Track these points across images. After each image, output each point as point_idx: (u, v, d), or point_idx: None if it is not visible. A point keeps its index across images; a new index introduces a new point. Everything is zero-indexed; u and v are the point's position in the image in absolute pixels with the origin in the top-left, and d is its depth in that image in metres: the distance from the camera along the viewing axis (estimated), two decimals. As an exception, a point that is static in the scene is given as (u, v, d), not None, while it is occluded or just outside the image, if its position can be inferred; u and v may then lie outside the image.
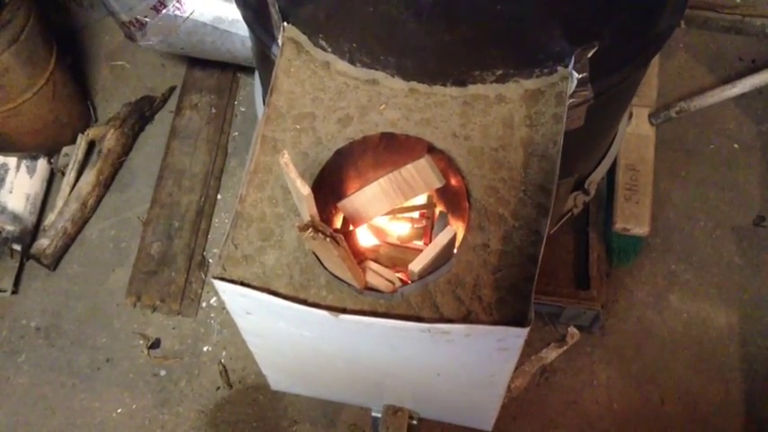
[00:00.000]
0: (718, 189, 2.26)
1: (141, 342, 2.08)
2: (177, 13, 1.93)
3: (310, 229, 0.94)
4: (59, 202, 2.24)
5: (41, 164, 2.29)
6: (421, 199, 1.36)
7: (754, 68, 2.38)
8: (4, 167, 2.22)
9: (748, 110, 2.40)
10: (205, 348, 2.08)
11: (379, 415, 1.55)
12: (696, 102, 2.08)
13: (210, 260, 2.22)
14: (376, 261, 1.13)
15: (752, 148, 2.33)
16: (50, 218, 2.21)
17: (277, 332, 1.22)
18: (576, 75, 1.15)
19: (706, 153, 2.33)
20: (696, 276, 2.13)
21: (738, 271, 2.13)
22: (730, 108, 2.39)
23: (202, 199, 2.27)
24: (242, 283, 1.08)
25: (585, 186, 1.77)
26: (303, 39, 1.23)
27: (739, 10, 2.10)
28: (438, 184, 1.20)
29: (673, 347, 2.02)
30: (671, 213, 2.23)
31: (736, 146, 2.34)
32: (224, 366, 2.04)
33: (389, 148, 1.21)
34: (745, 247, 2.17)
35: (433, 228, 1.33)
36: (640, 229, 1.93)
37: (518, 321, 1.02)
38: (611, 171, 1.98)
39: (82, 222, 2.26)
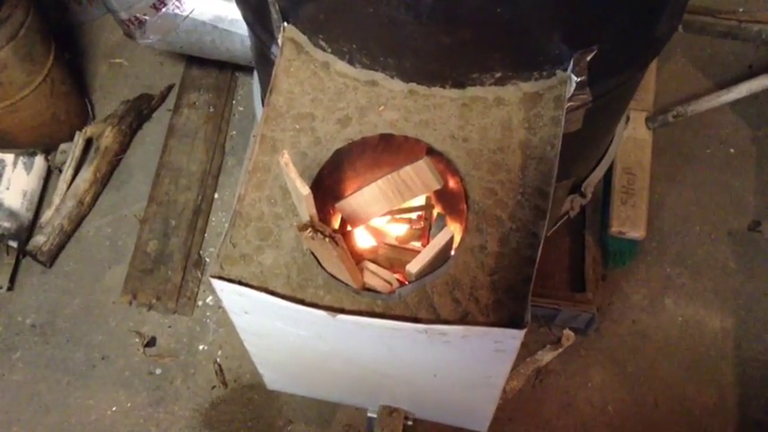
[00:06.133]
0: (714, 193, 2.27)
1: (137, 340, 2.08)
2: (177, 11, 1.93)
3: (309, 229, 0.94)
4: (56, 199, 2.23)
5: (39, 161, 2.28)
6: (419, 200, 1.36)
7: (750, 74, 2.39)
8: (2, 164, 2.22)
9: (744, 115, 2.41)
10: (201, 347, 2.07)
11: (375, 415, 1.55)
12: (693, 106, 2.10)
13: (207, 259, 2.21)
14: (374, 262, 1.13)
15: (747, 153, 2.35)
16: (47, 215, 2.21)
17: (274, 331, 1.22)
18: (574, 78, 1.16)
19: (702, 157, 2.34)
20: (691, 280, 2.13)
21: (733, 275, 2.14)
22: (726, 113, 2.40)
23: (199, 198, 2.27)
24: (240, 283, 1.08)
25: (582, 189, 1.78)
26: (303, 39, 1.24)
27: (737, 16, 2.10)
28: (436, 186, 1.21)
29: (667, 351, 2.03)
30: (667, 217, 2.23)
31: (731, 150, 2.35)
32: (219, 365, 2.04)
33: (388, 150, 1.22)
34: (740, 251, 2.18)
35: (430, 229, 1.33)
36: (636, 233, 1.94)
37: (515, 323, 1.03)
38: (608, 174, 1.99)
39: (78, 220, 2.26)
